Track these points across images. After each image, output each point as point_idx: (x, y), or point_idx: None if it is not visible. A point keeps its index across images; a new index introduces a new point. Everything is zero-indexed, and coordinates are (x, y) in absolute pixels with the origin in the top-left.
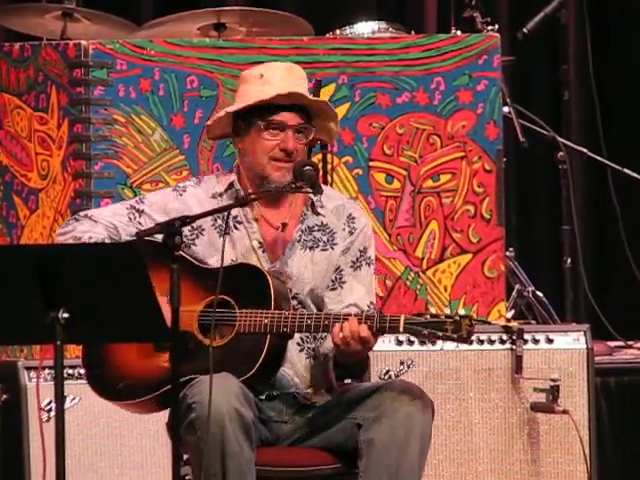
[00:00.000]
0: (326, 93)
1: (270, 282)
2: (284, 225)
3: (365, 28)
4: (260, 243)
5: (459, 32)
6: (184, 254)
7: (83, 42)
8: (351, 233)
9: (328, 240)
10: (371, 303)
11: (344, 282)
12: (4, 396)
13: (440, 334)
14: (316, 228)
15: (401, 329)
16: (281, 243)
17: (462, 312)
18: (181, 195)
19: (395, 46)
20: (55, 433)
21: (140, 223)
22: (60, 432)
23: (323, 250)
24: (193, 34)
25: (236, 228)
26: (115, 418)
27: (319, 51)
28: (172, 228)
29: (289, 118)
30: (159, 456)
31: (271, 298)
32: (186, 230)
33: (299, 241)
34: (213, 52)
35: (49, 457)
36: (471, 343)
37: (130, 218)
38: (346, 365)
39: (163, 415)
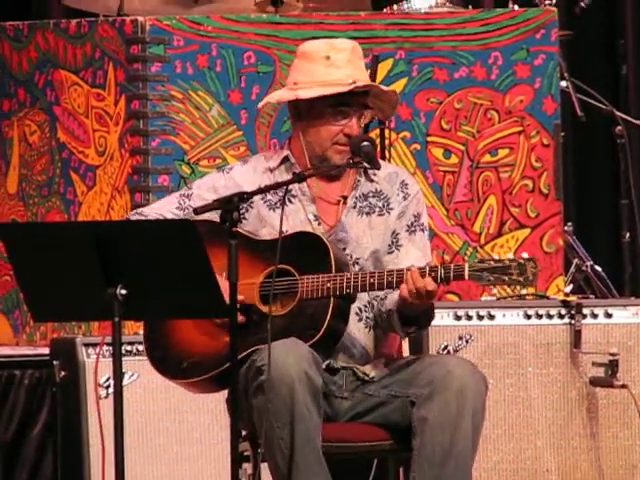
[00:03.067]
0: (383, 68)
1: (329, 247)
2: (344, 198)
3: (422, 3)
4: (315, 216)
5: (516, 7)
6: (240, 229)
7: (140, 18)
8: (405, 198)
9: (384, 205)
10: (428, 264)
11: (401, 245)
12: (62, 373)
13: (506, 278)
14: (371, 195)
15: (466, 276)
16: (337, 213)
17: (525, 255)
18: (228, 173)
19: (452, 21)
20: (114, 410)
21: (190, 207)
22: (118, 409)
23: (380, 215)
24: (250, 10)
25: (290, 202)
26: (173, 394)
27: (376, 26)
28: (230, 204)
29: (354, 104)
30: (217, 431)
31: (331, 263)
32: None
33: (354, 207)
34: (270, 28)
35: (109, 433)
36: (534, 283)
37: (180, 204)
38: (411, 317)
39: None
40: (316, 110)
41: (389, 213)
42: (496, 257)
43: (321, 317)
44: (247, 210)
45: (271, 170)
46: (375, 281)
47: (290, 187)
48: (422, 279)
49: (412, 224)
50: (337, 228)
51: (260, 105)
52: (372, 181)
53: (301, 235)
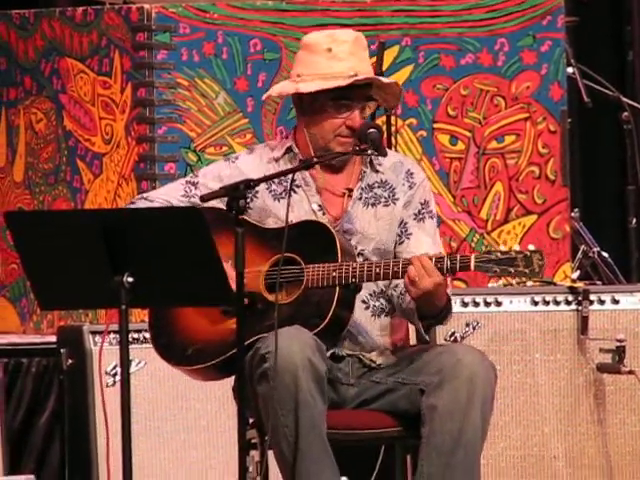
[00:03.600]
0: (390, 55)
1: (335, 236)
2: (350, 190)
3: None
4: (320, 206)
5: None
6: (246, 217)
7: (146, 6)
8: (411, 187)
9: (389, 196)
10: (439, 254)
11: (410, 234)
12: (69, 361)
13: (512, 270)
14: (376, 185)
15: (472, 268)
16: (342, 204)
17: (532, 247)
18: (233, 162)
19: (459, 7)
20: (121, 397)
21: (196, 195)
22: (126, 396)
23: (385, 206)
24: None
25: (294, 192)
26: (180, 382)
27: (382, 13)
28: (236, 191)
29: (356, 96)
30: (224, 419)
31: (337, 252)
32: None
33: (360, 199)
34: (276, 15)
35: (116, 421)
36: (540, 276)
37: (186, 192)
38: (429, 315)
39: (229, 378)
40: (318, 103)
41: (394, 203)
42: (503, 248)
43: (326, 306)
44: (252, 200)
45: (276, 160)
46: (381, 271)
47: (294, 177)
48: (417, 258)
49: (420, 212)
50: (343, 219)
51: (263, 98)
52: (377, 172)
53: (307, 224)
